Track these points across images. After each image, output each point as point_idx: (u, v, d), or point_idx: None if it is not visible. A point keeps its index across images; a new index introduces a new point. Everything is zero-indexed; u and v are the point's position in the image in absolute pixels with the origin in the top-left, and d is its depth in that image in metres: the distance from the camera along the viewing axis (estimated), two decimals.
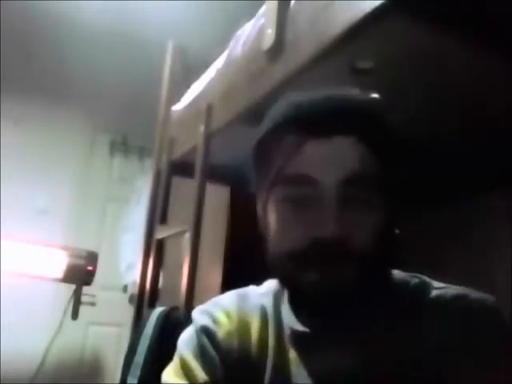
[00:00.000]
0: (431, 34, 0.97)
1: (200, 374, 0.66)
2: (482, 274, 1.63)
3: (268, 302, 0.72)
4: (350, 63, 1.12)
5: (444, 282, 0.67)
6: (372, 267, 0.60)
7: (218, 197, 2.48)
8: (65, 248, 2.57)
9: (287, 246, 0.61)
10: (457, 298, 0.62)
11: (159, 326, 1.75)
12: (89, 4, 3.44)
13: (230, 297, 0.75)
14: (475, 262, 1.69)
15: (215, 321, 0.71)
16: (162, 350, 1.71)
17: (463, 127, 1.36)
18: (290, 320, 0.68)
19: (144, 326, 1.82)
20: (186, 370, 0.67)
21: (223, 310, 0.73)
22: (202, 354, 0.68)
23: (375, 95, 0.68)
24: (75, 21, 3.48)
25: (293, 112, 0.64)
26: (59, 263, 2.48)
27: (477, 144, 1.45)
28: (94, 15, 3.48)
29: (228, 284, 2.42)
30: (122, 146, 3.73)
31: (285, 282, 0.67)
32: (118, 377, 1.91)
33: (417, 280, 0.68)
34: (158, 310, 1.82)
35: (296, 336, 0.66)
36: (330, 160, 0.60)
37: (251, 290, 0.77)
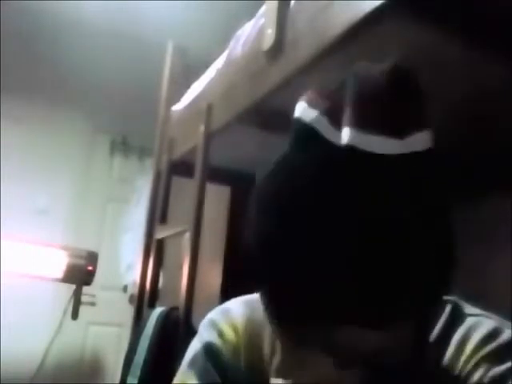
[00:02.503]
0: (431, 33, 0.97)
1: None
2: (482, 275, 1.63)
3: None
4: (350, 63, 1.12)
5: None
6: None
7: (218, 197, 2.48)
8: (65, 248, 2.57)
9: None
10: (488, 337, 0.57)
11: (159, 325, 1.75)
12: (89, 4, 3.44)
13: (238, 307, 0.70)
14: (475, 263, 1.69)
15: (221, 335, 0.67)
16: (162, 349, 1.71)
17: (463, 127, 1.36)
18: None
19: (144, 326, 1.82)
20: None
21: (230, 322, 0.68)
22: (206, 378, 0.65)
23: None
24: (75, 21, 3.49)
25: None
26: (59, 263, 2.48)
27: (477, 144, 1.45)
28: (94, 15, 3.48)
29: (228, 284, 2.42)
30: (122, 145, 3.73)
31: None
32: (118, 377, 1.91)
33: (449, 307, 0.62)
34: (158, 309, 1.83)
35: None
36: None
37: None
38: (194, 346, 0.69)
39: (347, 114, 0.49)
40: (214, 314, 0.71)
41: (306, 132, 0.51)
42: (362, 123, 0.48)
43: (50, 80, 3.50)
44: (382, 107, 0.50)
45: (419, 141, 0.50)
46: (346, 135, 0.48)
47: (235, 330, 0.67)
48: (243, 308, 0.69)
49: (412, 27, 0.97)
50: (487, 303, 0.64)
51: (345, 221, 0.45)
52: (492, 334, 0.57)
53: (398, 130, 0.49)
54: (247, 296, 0.71)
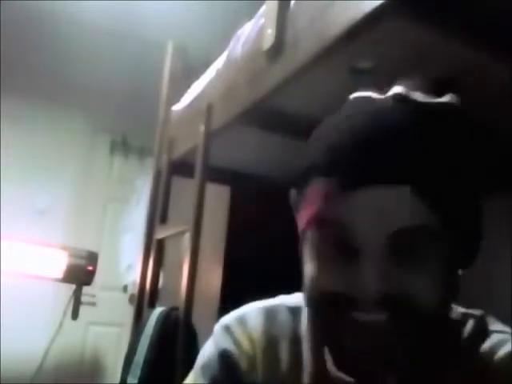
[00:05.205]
0: (431, 33, 0.97)
1: None
2: (482, 275, 1.62)
3: (299, 320, 0.64)
4: (350, 63, 1.13)
5: None
6: (430, 323, 0.51)
7: (218, 197, 2.48)
8: (65, 248, 2.57)
9: (324, 297, 0.52)
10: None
11: (159, 326, 1.75)
12: (89, 4, 3.44)
13: (256, 316, 0.67)
14: (475, 263, 1.69)
15: (237, 343, 0.65)
16: (162, 349, 1.71)
17: None
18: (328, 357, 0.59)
19: (144, 326, 1.82)
20: None
21: (246, 332, 0.66)
22: None
23: (453, 104, 0.54)
24: (75, 21, 3.48)
25: (332, 155, 0.52)
26: (59, 263, 2.48)
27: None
28: (94, 15, 3.48)
29: (228, 284, 2.42)
30: (122, 146, 3.73)
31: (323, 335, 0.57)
32: (118, 377, 1.91)
33: (473, 321, 0.60)
34: (158, 309, 1.83)
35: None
36: (372, 213, 0.50)
37: (281, 303, 0.68)
38: (209, 350, 0.67)
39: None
40: (230, 320, 0.68)
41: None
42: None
43: (50, 80, 3.50)
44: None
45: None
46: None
47: (252, 341, 0.65)
48: (261, 318, 0.66)
49: (412, 27, 0.97)
50: (487, 303, 0.64)
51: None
52: None
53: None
54: (267, 302, 0.69)
